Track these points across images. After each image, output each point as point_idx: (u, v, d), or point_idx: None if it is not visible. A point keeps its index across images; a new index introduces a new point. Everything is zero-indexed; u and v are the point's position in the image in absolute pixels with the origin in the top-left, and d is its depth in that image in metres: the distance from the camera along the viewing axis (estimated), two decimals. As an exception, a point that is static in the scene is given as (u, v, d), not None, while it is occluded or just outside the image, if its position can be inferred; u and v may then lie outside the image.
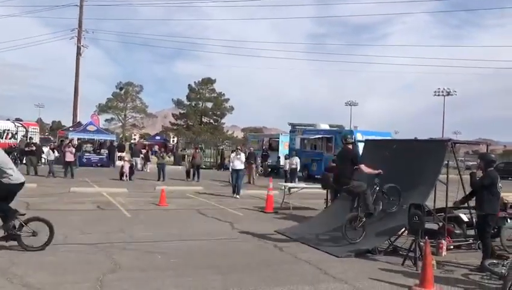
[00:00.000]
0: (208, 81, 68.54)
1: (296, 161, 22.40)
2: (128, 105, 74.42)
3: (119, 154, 31.92)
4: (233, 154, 17.80)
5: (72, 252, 7.37)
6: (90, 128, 32.15)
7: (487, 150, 10.06)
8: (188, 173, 23.47)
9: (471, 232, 9.18)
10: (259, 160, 28.81)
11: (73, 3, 38.57)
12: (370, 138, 16.12)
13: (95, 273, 6.18)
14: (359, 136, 21.99)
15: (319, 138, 27.22)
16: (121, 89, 72.17)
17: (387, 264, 7.49)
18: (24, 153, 23.58)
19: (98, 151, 31.33)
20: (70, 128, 34.16)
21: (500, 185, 7.80)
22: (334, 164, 12.25)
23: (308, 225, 10.45)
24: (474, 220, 9.01)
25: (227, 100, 69.28)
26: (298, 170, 22.98)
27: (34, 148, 22.78)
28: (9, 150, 24.86)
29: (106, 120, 72.48)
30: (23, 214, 7.38)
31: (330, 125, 28.50)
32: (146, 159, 28.93)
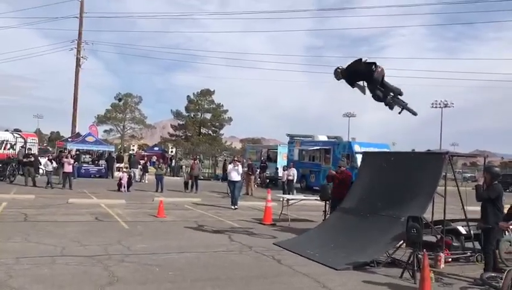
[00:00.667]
0: (206, 93, 68.75)
1: (293, 172, 22.43)
2: (127, 116, 74.52)
3: (117, 165, 31.93)
4: (230, 166, 17.81)
5: (69, 265, 7.34)
6: (89, 139, 32.11)
7: (485, 163, 10.11)
8: (186, 184, 23.43)
9: (470, 244, 9.19)
10: (257, 171, 28.83)
11: (72, 14, 38.87)
12: (368, 149, 16.20)
13: (92, 286, 6.16)
14: (357, 148, 22.08)
15: (317, 149, 27.30)
16: (119, 100, 72.16)
17: (386, 277, 7.48)
18: (22, 164, 23.54)
19: (96, 162, 31.29)
20: (69, 139, 34.14)
21: (504, 198, 7.85)
22: (334, 172, 12.26)
23: (307, 237, 10.43)
24: (472, 232, 9.03)
25: (225, 111, 69.52)
26: (295, 181, 23.01)
27: (32, 159, 22.74)
28: (7, 161, 24.91)
29: (105, 131, 72.63)
30: None
31: (328, 137, 28.59)
32: (144, 170, 28.93)
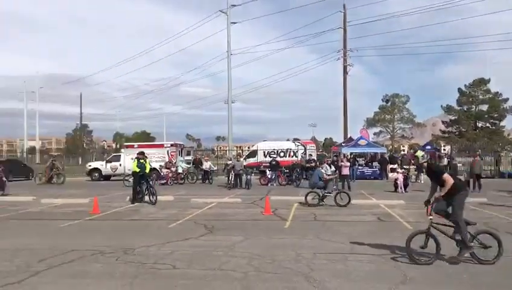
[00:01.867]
0: (480, 82, 62.79)
1: None
2: (396, 116, 74.39)
3: (391, 166, 32.07)
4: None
5: (360, 262, 7.66)
6: (361, 142, 33.29)
7: None
8: (467, 183, 21.76)
9: None
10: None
11: (337, 26, 41.12)
12: None
13: (385, 284, 6.28)
14: None
15: None
16: (387, 101, 72.77)
17: None
18: (305, 169, 26.04)
19: (370, 164, 32.13)
20: (343, 144, 36.07)
21: None
22: None
23: None
24: None
25: (505, 100, 61.94)
26: None
27: (313, 164, 24.89)
28: (292, 167, 27.96)
29: (375, 133, 74.17)
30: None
31: None
32: (419, 170, 28.14)
